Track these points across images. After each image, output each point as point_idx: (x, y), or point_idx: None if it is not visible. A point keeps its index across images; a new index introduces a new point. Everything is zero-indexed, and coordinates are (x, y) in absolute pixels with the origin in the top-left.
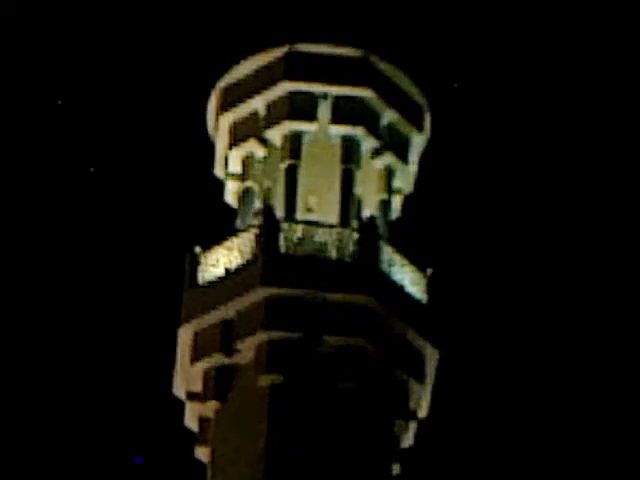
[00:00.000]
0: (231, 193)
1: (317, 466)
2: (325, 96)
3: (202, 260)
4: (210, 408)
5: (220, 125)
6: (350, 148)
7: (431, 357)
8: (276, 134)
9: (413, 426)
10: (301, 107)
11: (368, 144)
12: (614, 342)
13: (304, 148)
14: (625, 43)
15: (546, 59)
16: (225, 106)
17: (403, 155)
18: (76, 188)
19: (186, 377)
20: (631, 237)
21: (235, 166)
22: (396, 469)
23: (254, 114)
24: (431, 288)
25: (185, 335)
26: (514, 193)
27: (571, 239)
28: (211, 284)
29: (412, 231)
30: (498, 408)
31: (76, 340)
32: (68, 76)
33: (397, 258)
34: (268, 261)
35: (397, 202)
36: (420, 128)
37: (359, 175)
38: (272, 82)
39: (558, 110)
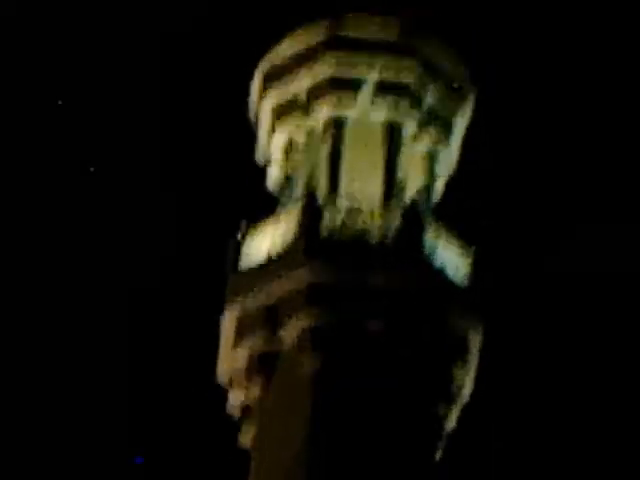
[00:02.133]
0: (273, 178)
1: (360, 451)
2: (367, 80)
3: (245, 245)
4: (253, 394)
5: (262, 111)
6: (392, 132)
7: (474, 340)
8: (318, 119)
9: (456, 410)
10: (343, 92)
11: (410, 128)
12: None
13: (346, 133)
14: None
15: (593, 37)
16: (267, 92)
17: (445, 138)
18: (121, 174)
19: (229, 362)
20: None
21: (277, 152)
22: (439, 453)
23: (296, 99)
24: (474, 271)
25: (228, 321)
26: (559, 174)
27: (618, 219)
28: (254, 269)
29: (455, 214)
30: (543, 390)
31: (118, 327)
32: (90, 60)
33: (442, 240)
34: (310, 246)
35: (439, 185)
36: (462, 111)
37: (401, 159)
38: (313, 67)
39: (605, 88)
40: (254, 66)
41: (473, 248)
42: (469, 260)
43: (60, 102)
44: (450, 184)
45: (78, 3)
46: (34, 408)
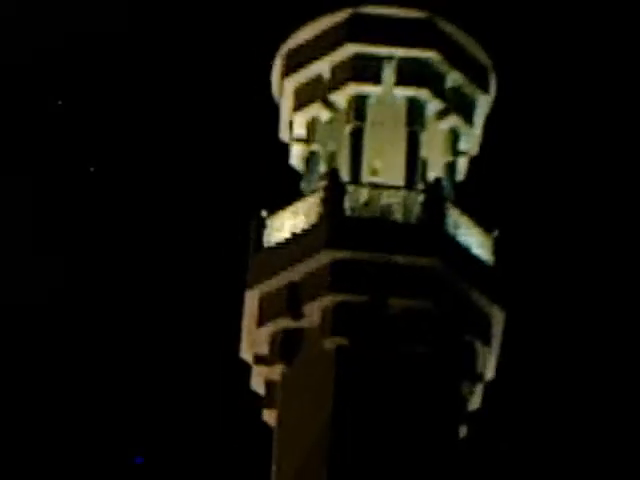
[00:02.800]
0: (296, 157)
1: (384, 429)
2: (390, 58)
3: (268, 224)
4: (276, 371)
5: (285, 89)
6: (415, 110)
7: (498, 319)
8: (341, 97)
9: (480, 389)
10: (366, 69)
11: (433, 106)
12: None
13: (369, 111)
14: None
15: (615, 22)
16: (289, 70)
17: (468, 117)
18: (146, 157)
19: (253, 341)
20: None
21: (300, 130)
22: (463, 431)
23: (318, 77)
24: (497, 250)
25: (251, 299)
26: (581, 154)
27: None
28: (277, 248)
29: (478, 193)
30: (565, 371)
31: (145, 305)
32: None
33: (463, 220)
34: (333, 224)
35: (462, 164)
36: (485, 89)
37: (424, 137)
38: (336, 45)
39: (627, 71)
40: (278, 45)
41: (496, 231)
42: (491, 241)
43: (60, 102)
44: (473, 163)
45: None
46: (35, 407)
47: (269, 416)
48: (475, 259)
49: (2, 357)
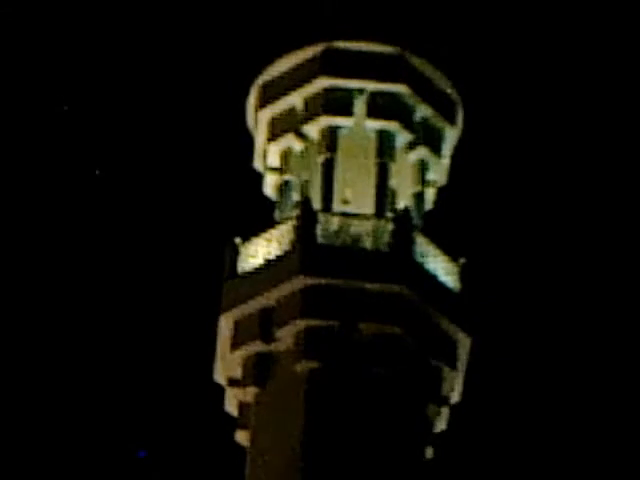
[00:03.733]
0: (270, 186)
1: (354, 450)
2: (361, 91)
3: (242, 250)
4: (250, 394)
5: (259, 120)
6: (385, 142)
7: (464, 344)
8: (313, 128)
9: (445, 411)
10: (337, 102)
11: (402, 138)
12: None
13: (340, 142)
14: None
15: (572, 56)
16: (264, 102)
17: (436, 148)
18: (124, 183)
19: (226, 364)
20: None
21: (274, 160)
22: (429, 453)
23: (292, 109)
24: (464, 277)
25: (225, 323)
26: (546, 184)
27: (603, 230)
28: (250, 274)
29: (445, 222)
30: (530, 394)
31: (119, 329)
32: (97, 74)
33: (431, 248)
34: (306, 251)
35: (430, 194)
36: (453, 122)
37: (394, 168)
38: (310, 78)
39: (587, 103)
40: (252, 78)
41: (462, 259)
42: (458, 269)
43: (66, 107)
44: (441, 193)
45: (82, 14)
46: (36, 404)
47: (242, 437)
48: (442, 286)
49: (9, 349)
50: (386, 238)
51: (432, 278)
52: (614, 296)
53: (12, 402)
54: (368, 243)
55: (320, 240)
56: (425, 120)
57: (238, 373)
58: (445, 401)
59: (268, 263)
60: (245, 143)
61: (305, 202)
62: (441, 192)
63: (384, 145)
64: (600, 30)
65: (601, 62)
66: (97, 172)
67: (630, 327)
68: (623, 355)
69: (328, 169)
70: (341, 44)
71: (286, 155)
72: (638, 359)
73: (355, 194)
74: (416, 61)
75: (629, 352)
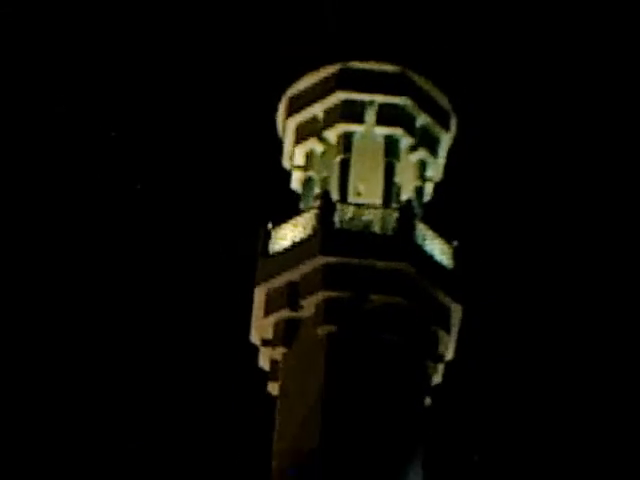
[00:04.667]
0: (296, 181)
1: (366, 399)
2: (371, 103)
3: (273, 234)
4: (279, 352)
5: (287, 127)
6: (391, 145)
7: (456, 312)
8: (332, 134)
9: (441, 367)
10: (352, 112)
11: (405, 142)
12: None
13: (354, 145)
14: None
15: (555, 70)
16: (290, 112)
17: (433, 150)
18: (169, 181)
19: (260, 328)
20: None
21: (299, 159)
22: (427, 401)
23: (314, 118)
24: (456, 257)
25: (259, 294)
26: (528, 180)
27: (583, 224)
28: (280, 254)
29: (441, 211)
30: (513, 353)
31: (179, 303)
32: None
33: (429, 233)
34: (325, 235)
35: (429, 188)
36: (447, 128)
37: (398, 166)
38: (329, 92)
39: (569, 107)
40: (281, 93)
41: (455, 242)
42: (451, 250)
43: (114, 134)
44: (438, 187)
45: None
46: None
47: (273, 388)
48: (438, 264)
49: (25, 339)
50: (392, 224)
51: (429, 257)
52: (589, 271)
53: (21, 394)
54: (377, 228)
55: (337, 226)
56: (424, 127)
57: (269, 335)
58: (440, 359)
59: (294, 245)
60: (275, 146)
61: (325, 194)
62: (437, 187)
63: (390, 147)
64: (583, 48)
65: (584, 78)
66: (138, 186)
67: (608, 295)
68: (602, 318)
69: (344, 167)
70: (354, 64)
71: (309, 156)
72: (611, 323)
73: (366, 188)
74: (416, 78)
75: (607, 315)
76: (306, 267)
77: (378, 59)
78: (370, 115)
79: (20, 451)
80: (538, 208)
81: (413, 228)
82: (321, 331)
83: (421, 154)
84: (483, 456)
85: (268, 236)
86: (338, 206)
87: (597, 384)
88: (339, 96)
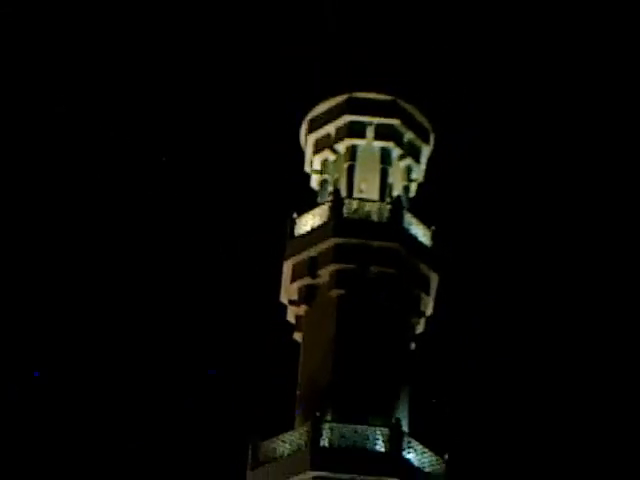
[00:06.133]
0: (314, 182)
1: (365, 343)
2: (370, 123)
3: (297, 222)
4: (302, 310)
5: (308, 141)
6: (385, 155)
7: (433, 279)
8: (341, 146)
9: (422, 321)
10: (356, 130)
11: (396, 152)
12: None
13: (358, 154)
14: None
15: (519, 92)
16: (310, 130)
17: (417, 159)
18: (211, 179)
19: (288, 291)
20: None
21: (317, 166)
22: (412, 346)
23: (328, 134)
24: (434, 238)
25: (287, 266)
26: (491, 181)
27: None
28: (303, 236)
29: (423, 204)
30: (479, 310)
31: (228, 274)
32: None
33: (413, 220)
34: (336, 222)
35: (414, 187)
36: (427, 142)
37: (390, 171)
38: (339, 115)
39: (535, 120)
40: (303, 117)
41: (433, 227)
42: (430, 232)
43: (164, 158)
44: (420, 186)
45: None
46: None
47: (298, 336)
48: (421, 243)
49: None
50: (386, 214)
51: (414, 239)
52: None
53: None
54: (374, 217)
55: (345, 215)
56: (410, 141)
57: (295, 297)
58: (422, 314)
59: (313, 229)
60: (299, 156)
61: (336, 192)
62: (420, 186)
63: (384, 157)
64: (554, 70)
65: (553, 80)
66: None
67: (580, 265)
68: (570, 283)
69: (350, 171)
70: (358, 94)
71: (324, 163)
72: (584, 294)
73: (367, 187)
74: (404, 104)
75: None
76: (322, 246)
77: (376, 91)
78: (370, 132)
79: (20, 451)
80: (499, 200)
81: (402, 217)
82: (333, 294)
83: (407, 161)
84: (454, 390)
85: (293, 223)
86: (346, 201)
87: (558, 334)
88: (346, 118)
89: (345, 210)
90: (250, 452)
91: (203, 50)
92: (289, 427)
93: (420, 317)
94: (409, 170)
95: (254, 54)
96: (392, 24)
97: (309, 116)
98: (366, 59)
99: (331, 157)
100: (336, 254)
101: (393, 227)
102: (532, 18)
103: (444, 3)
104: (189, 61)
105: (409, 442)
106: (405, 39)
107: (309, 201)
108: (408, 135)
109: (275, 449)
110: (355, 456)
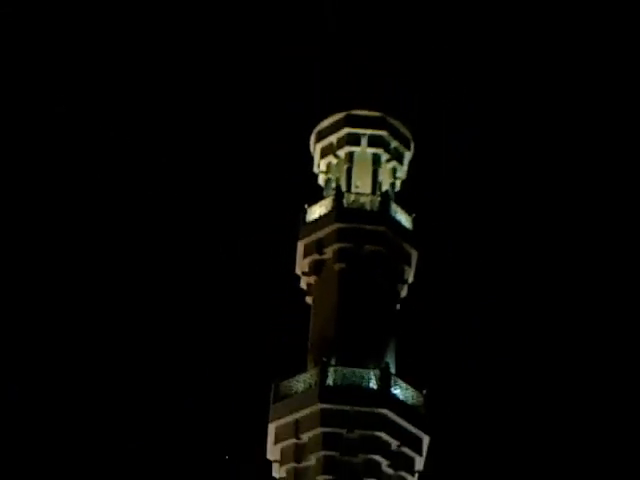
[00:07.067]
0: (321, 180)
1: (361, 306)
2: (364, 134)
3: (308, 211)
4: (312, 279)
5: (316, 149)
6: (376, 159)
7: (414, 255)
8: (342, 152)
9: (405, 287)
10: (353, 140)
11: (384, 157)
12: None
13: (355, 159)
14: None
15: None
16: (318, 140)
17: (401, 162)
18: (224, 186)
19: (301, 264)
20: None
21: (323, 167)
22: (397, 307)
23: (331, 143)
24: (415, 224)
25: (300, 246)
26: (463, 180)
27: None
28: (312, 222)
29: (406, 197)
30: (452, 279)
31: (253, 252)
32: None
33: (398, 209)
34: (338, 211)
35: (398, 183)
36: (408, 148)
37: (380, 171)
38: (339, 128)
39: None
40: (312, 128)
41: (413, 214)
42: (412, 219)
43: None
44: (403, 183)
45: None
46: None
47: (309, 300)
48: (404, 227)
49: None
50: (376, 205)
51: (399, 223)
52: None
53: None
54: (368, 207)
55: (345, 205)
56: (395, 148)
57: (307, 269)
58: (405, 282)
59: (320, 217)
60: (309, 160)
61: (338, 188)
62: (403, 183)
63: (375, 160)
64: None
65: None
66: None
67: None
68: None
69: (349, 172)
70: (355, 112)
71: (328, 165)
72: (576, 277)
73: (362, 183)
74: (391, 120)
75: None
76: (327, 230)
77: (368, 109)
78: (364, 141)
79: (20, 451)
80: (470, 193)
81: (389, 206)
82: (336, 267)
83: (393, 164)
84: (432, 340)
85: (305, 212)
86: (345, 194)
87: (549, 306)
88: (345, 131)
89: (345, 201)
90: (272, 390)
91: (221, 57)
92: (302, 370)
93: (404, 284)
94: (395, 170)
95: (273, 75)
96: (388, 28)
97: (316, 129)
98: (361, 80)
99: (334, 161)
100: (338, 236)
101: (382, 215)
102: (521, 24)
103: (432, 9)
104: (211, 68)
105: (396, 381)
106: (396, 47)
107: (317, 195)
108: (394, 143)
109: (291, 387)
110: (354, 392)
